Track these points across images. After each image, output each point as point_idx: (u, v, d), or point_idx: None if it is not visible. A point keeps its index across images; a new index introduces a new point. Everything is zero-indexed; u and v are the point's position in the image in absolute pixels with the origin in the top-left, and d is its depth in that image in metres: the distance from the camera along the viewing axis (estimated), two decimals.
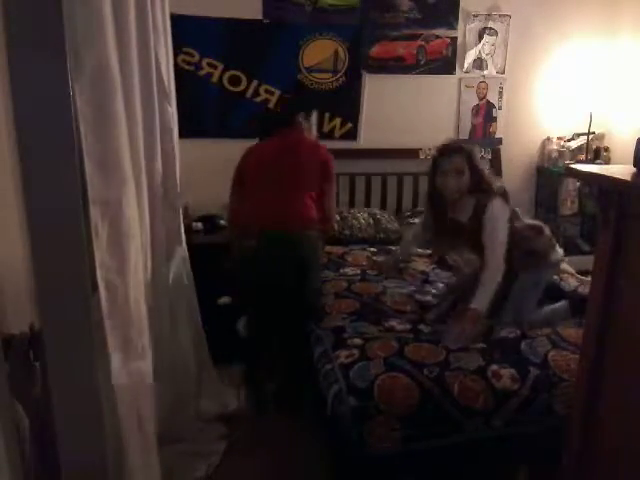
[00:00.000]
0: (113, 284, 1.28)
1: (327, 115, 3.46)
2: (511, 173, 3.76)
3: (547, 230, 2.39)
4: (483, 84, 3.67)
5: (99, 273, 1.12)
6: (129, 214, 1.35)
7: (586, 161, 3.63)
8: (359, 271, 2.80)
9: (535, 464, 1.95)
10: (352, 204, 3.52)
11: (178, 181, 2.26)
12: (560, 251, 2.42)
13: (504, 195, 2.22)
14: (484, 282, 2.10)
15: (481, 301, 2.06)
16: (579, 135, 3.73)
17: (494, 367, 1.94)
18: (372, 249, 3.10)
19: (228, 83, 3.31)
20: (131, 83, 1.48)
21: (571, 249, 3.67)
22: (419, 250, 2.98)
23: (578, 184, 3.56)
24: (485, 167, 2.32)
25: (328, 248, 2.95)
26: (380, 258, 2.91)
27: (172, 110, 2.13)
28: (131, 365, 1.37)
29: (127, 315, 1.36)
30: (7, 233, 0.95)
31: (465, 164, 2.20)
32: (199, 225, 3.13)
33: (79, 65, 0.94)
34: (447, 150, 2.26)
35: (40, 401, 0.93)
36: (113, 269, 1.28)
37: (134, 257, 1.40)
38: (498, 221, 2.16)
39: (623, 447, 1.32)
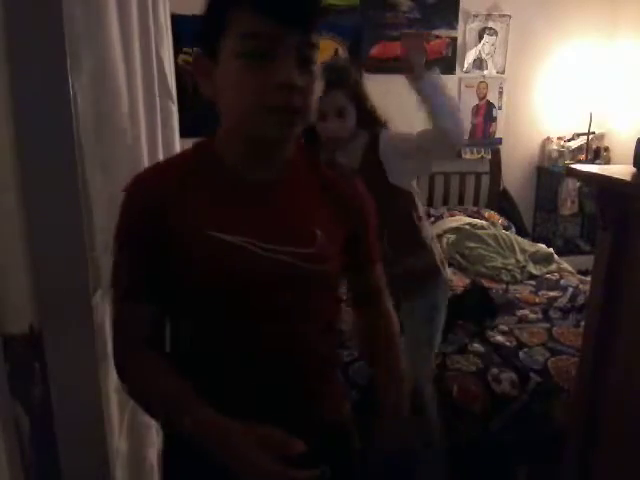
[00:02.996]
0: None
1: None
2: (511, 173, 3.76)
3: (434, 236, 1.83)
4: (483, 84, 3.67)
5: (102, 274, 1.13)
6: None
7: (586, 161, 3.63)
8: None
9: (535, 464, 1.95)
10: None
11: None
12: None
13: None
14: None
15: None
16: (579, 135, 3.74)
17: (494, 371, 1.94)
18: None
19: None
20: (133, 82, 1.48)
21: (571, 249, 3.68)
22: None
23: (578, 184, 3.56)
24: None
25: None
26: None
27: (174, 108, 2.12)
28: None
29: None
30: (7, 233, 0.95)
31: (348, 101, 1.66)
32: None
33: (79, 65, 0.94)
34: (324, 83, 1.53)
35: (40, 401, 0.92)
36: None
37: None
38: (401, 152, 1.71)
39: (623, 447, 1.32)
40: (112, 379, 1.15)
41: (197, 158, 0.91)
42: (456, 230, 3.19)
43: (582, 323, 2.07)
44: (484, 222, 3.35)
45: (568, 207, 3.67)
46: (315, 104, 0.85)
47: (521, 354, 2.08)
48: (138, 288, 0.87)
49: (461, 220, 3.34)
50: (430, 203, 3.70)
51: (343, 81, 1.67)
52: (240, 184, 0.89)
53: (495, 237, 3.13)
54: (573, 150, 3.73)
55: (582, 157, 3.70)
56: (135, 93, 1.51)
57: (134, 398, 0.91)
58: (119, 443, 1.34)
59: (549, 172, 3.74)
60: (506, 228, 3.41)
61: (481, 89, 3.68)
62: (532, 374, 1.95)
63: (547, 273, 2.92)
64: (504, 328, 2.27)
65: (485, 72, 3.65)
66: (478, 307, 2.36)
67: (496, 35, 3.61)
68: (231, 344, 0.88)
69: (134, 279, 0.87)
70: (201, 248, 0.83)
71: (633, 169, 1.23)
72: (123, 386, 0.92)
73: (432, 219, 3.41)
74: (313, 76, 0.83)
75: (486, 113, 3.72)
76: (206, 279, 0.84)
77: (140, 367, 0.86)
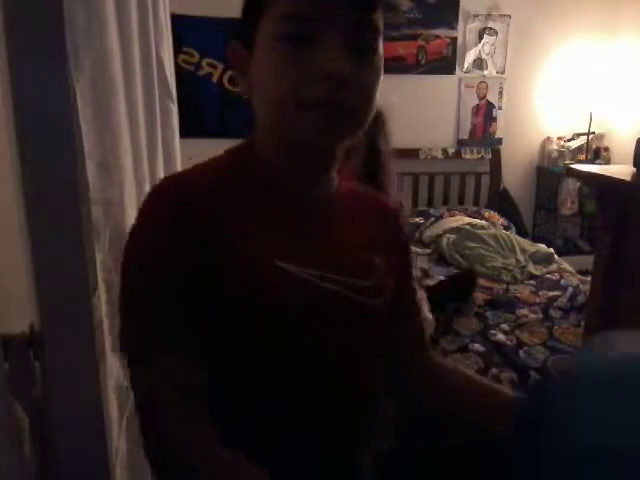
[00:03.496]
0: (113, 285, 1.27)
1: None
2: (511, 173, 3.77)
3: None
4: (483, 84, 3.67)
5: (99, 274, 1.12)
6: (131, 214, 1.34)
7: (586, 161, 3.63)
8: None
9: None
10: None
11: None
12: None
13: None
14: None
15: None
16: (579, 135, 3.74)
17: (494, 370, 1.94)
18: None
19: (228, 83, 3.31)
20: (133, 82, 1.48)
21: (571, 249, 3.68)
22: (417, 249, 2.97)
23: (578, 184, 3.56)
24: None
25: None
26: None
27: (174, 108, 2.12)
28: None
29: None
30: (7, 233, 0.95)
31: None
32: None
33: (79, 65, 0.94)
34: None
35: (40, 401, 0.92)
36: (114, 270, 1.28)
37: None
38: None
39: None
40: (111, 379, 1.15)
41: (237, 167, 0.75)
42: (456, 230, 3.19)
43: (582, 323, 2.07)
44: (484, 222, 3.35)
45: (568, 207, 3.67)
46: (375, 104, 0.68)
47: (521, 353, 2.08)
48: (180, 336, 0.67)
49: (461, 220, 3.34)
50: (430, 203, 3.70)
51: None
52: (291, 199, 0.74)
53: (495, 237, 3.12)
54: (573, 150, 3.73)
55: (582, 157, 3.70)
56: (134, 93, 1.51)
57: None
58: (119, 443, 1.34)
59: (549, 172, 3.74)
60: (506, 228, 3.41)
61: (481, 89, 3.68)
62: (532, 373, 1.95)
63: (547, 273, 2.92)
64: (505, 327, 2.27)
65: (485, 72, 3.65)
66: (463, 289, 2.50)
67: (496, 35, 3.61)
68: (278, 382, 0.71)
69: (174, 324, 0.67)
70: (260, 277, 0.68)
71: (633, 169, 1.23)
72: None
73: (432, 219, 3.42)
74: (373, 67, 0.67)
75: (486, 113, 3.72)
76: (264, 312, 0.69)
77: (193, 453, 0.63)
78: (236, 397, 0.72)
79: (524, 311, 2.44)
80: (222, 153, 0.78)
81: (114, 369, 1.30)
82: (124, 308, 0.70)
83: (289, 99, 0.65)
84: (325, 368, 0.73)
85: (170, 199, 0.68)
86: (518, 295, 2.63)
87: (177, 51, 2.88)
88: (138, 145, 1.55)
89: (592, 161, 3.63)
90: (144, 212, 0.70)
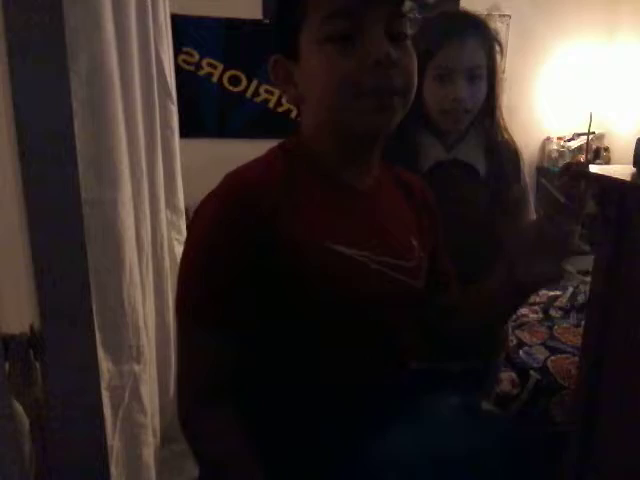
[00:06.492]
0: (104, 284, 1.27)
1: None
2: None
3: None
4: None
5: (90, 273, 1.13)
6: (124, 215, 1.34)
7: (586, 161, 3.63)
8: None
9: (535, 464, 1.95)
10: None
11: (180, 181, 2.26)
12: None
13: None
14: None
15: None
16: (579, 135, 3.73)
17: None
18: None
19: (228, 83, 3.31)
20: (131, 82, 1.48)
21: None
22: None
23: None
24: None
25: None
26: None
27: (174, 109, 2.12)
28: (124, 367, 1.36)
29: (120, 316, 1.35)
30: (6, 233, 0.95)
31: (486, 60, 1.21)
32: None
33: (74, 65, 0.94)
34: (457, 24, 1.20)
35: (40, 401, 0.92)
36: (106, 270, 1.27)
37: (129, 258, 1.39)
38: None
39: (623, 447, 1.32)
40: (104, 377, 1.15)
41: (291, 160, 0.79)
42: None
43: (582, 322, 2.07)
44: None
45: None
46: (415, 85, 0.74)
47: (521, 353, 2.08)
48: (232, 315, 0.73)
49: None
50: None
51: (485, 25, 1.21)
52: (341, 189, 0.80)
53: None
54: (573, 150, 3.73)
55: (582, 157, 3.70)
56: (132, 93, 1.50)
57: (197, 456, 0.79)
58: (113, 441, 1.34)
59: (549, 172, 3.73)
60: None
61: None
62: (532, 373, 1.95)
63: None
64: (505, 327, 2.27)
65: None
66: None
67: None
68: (331, 370, 0.77)
69: (230, 304, 0.72)
70: (318, 262, 0.73)
71: (633, 169, 1.23)
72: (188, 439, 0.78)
73: None
74: (409, 51, 0.74)
75: None
76: (320, 294, 0.73)
77: (212, 431, 0.74)
78: (286, 376, 0.77)
79: (524, 311, 2.44)
80: (274, 148, 0.82)
81: (105, 368, 1.30)
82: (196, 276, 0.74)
83: (346, 92, 0.71)
84: (373, 343, 0.79)
85: (235, 203, 0.73)
86: None
87: (177, 51, 2.87)
88: (136, 145, 1.54)
89: (592, 161, 3.63)
90: (208, 212, 0.74)
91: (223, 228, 0.72)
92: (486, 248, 0.98)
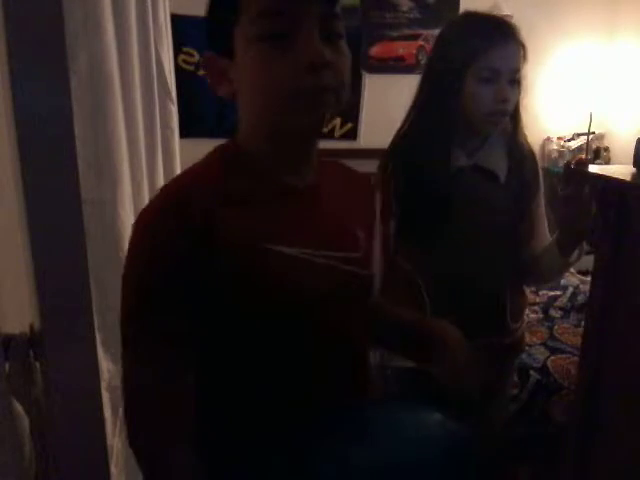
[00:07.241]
0: (104, 284, 1.27)
1: (327, 115, 3.46)
2: None
3: None
4: None
5: (90, 273, 1.13)
6: (124, 215, 1.34)
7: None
8: None
9: (535, 464, 1.95)
10: None
11: None
12: None
13: None
14: None
15: None
16: (579, 135, 3.73)
17: None
18: None
19: None
20: (131, 82, 1.48)
21: None
22: None
23: None
24: None
25: None
26: None
27: (174, 109, 2.12)
28: None
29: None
30: (7, 233, 0.95)
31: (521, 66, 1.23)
32: None
33: (74, 65, 0.94)
34: (499, 28, 1.21)
35: (40, 401, 0.92)
36: (105, 269, 1.27)
37: None
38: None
39: (623, 447, 1.32)
40: (104, 377, 1.14)
41: (227, 165, 0.81)
42: None
43: (582, 323, 2.07)
44: None
45: None
46: (347, 83, 0.74)
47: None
48: (174, 325, 0.72)
49: None
50: None
51: (517, 36, 1.22)
52: (280, 189, 0.80)
53: None
54: (573, 150, 3.73)
55: (582, 157, 3.70)
56: (132, 93, 1.51)
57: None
58: (113, 441, 1.34)
59: (549, 172, 3.73)
60: None
61: None
62: (532, 373, 1.95)
63: None
64: None
65: None
66: None
67: None
68: (282, 366, 0.77)
69: (176, 319, 0.72)
70: (259, 264, 0.73)
71: (633, 169, 1.23)
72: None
73: None
74: (342, 51, 0.74)
75: None
76: (267, 297, 0.73)
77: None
78: (237, 378, 0.78)
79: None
80: (212, 152, 0.84)
81: (105, 368, 1.30)
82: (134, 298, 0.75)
83: (280, 92, 0.71)
84: (324, 334, 0.79)
85: (168, 212, 0.73)
86: None
87: (177, 51, 2.87)
88: (136, 145, 1.55)
89: (592, 161, 3.63)
90: (143, 224, 0.74)
91: (158, 238, 0.72)
92: (502, 252, 0.98)
